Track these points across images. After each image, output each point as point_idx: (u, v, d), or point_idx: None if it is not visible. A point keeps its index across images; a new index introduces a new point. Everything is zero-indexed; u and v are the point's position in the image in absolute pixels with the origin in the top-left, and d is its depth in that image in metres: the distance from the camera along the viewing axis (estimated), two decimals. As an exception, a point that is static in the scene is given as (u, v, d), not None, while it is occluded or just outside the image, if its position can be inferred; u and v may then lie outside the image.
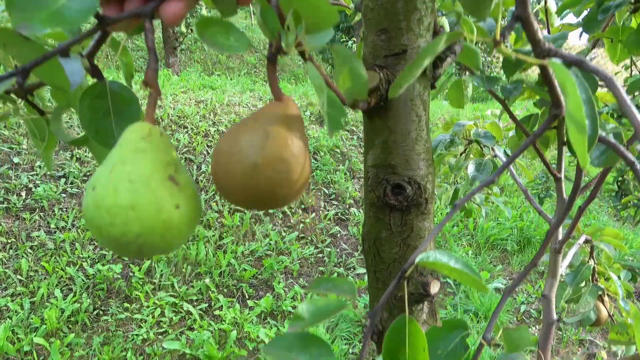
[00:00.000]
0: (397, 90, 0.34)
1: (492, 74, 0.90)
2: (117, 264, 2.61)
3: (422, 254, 0.39)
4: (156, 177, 0.28)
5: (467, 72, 1.07)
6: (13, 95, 0.50)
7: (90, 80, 0.37)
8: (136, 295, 2.48)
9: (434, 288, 0.50)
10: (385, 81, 0.48)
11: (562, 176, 0.95)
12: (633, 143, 0.71)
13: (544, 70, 0.45)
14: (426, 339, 0.40)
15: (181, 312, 2.45)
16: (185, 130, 3.64)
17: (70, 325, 2.26)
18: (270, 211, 3.30)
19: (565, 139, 0.92)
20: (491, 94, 0.94)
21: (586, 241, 1.16)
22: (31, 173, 2.92)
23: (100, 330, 2.28)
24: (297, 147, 0.33)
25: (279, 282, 2.72)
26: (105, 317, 2.34)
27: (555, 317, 1.01)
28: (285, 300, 2.60)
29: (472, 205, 1.83)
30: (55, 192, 2.86)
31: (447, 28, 0.80)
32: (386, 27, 0.48)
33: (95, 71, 0.34)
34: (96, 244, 2.71)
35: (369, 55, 0.51)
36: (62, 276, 2.48)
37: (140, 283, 2.56)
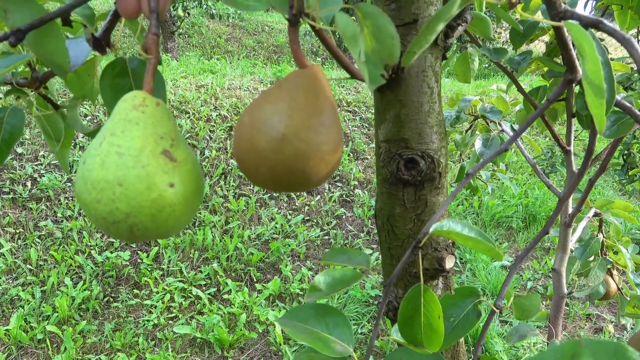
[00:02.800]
0: (411, 57, 0.33)
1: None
2: (126, 251, 2.63)
3: (436, 223, 0.39)
4: (147, 151, 0.25)
5: (470, 46, 1.05)
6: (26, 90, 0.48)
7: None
8: (145, 281, 2.50)
9: (449, 263, 0.50)
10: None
11: (572, 148, 0.94)
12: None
13: (559, 33, 0.44)
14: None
15: (190, 297, 2.47)
16: (187, 115, 3.62)
17: (81, 313, 2.29)
18: (276, 195, 3.30)
19: (574, 111, 0.91)
20: (499, 66, 0.93)
21: (595, 214, 1.15)
22: (35, 163, 2.93)
23: (111, 316, 2.30)
24: (327, 115, 0.29)
25: (286, 265, 2.74)
26: (115, 304, 2.36)
27: (565, 290, 1.01)
28: (293, 282, 2.61)
29: (478, 182, 1.83)
30: (61, 182, 2.87)
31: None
32: (395, -4, 0.47)
33: (97, 44, 0.32)
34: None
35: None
36: (71, 264, 2.50)
37: (149, 269, 2.58)
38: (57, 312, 2.21)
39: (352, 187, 3.58)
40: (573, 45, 0.48)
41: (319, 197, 3.41)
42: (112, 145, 0.25)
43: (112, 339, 2.15)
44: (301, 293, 2.56)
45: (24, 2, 0.28)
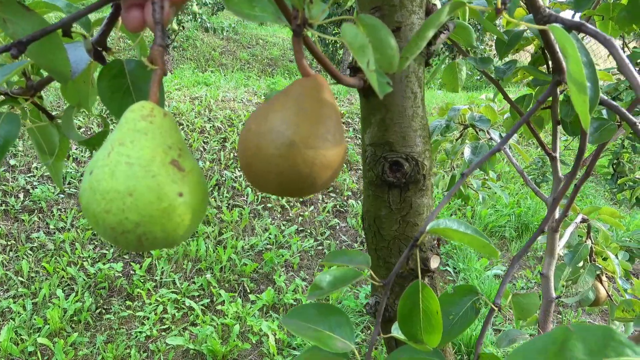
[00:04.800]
0: (404, 63, 0.35)
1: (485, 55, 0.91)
2: (118, 263, 2.61)
3: (433, 222, 0.40)
4: (157, 161, 0.25)
5: (461, 56, 1.07)
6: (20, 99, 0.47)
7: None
8: (138, 292, 2.49)
9: (434, 263, 0.51)
10: (380, 59, 0.48)
11: (558, 155, 0.96)
12: (634, 109, 0.72)
13: (545, 36, 0.46)
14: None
15: (183, 308, 2.45)
16: (181, 127, 3.64)
17: (73, 325, 2.27)
18: (269, 205, 3.30)
19: (559, 118, 0.93)
20: (484, 74, 0.95)
21: (583, 221, 1.17)
22: (28, 175, 2.92)
23: (103, 328, 2.28)
24: (332, 123, 0.31)
25: (280, 276, 2.73)
26: (107, 316, 2.35)
27: (554, 294, 1.02)
28: (286, 293, 2.61)
29: (470, 191, 1.84)
30: (53, 193, 2.86)
31: (439, 5, 0.81)
32: (379, 4, 0.49)
33: (98, 55, 0.33)
34: (96, 243, 2.71)
35: (363, 35, 0.51)
36: (63, 276, 2.48)
37: (142, 281, 2.56)
38: (49, 324, 2.19)
39: (345, 198, 3.59)
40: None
41: (312, 207, 3.42)
42: (122, 155, 0.25)
43: (104, 351, 2.14)
44: (295, 303, 2.55)
45: (24, 14, 0.29)
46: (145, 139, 0.26)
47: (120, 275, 2.58)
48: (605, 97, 0.55)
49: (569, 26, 0.40)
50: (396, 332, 0.44)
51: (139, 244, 0.26)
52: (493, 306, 0.49)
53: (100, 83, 0.33)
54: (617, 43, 0.38)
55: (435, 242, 0.52)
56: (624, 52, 1.17)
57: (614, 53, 0.37)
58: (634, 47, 1.11)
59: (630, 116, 0.43)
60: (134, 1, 0.29)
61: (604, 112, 0.89)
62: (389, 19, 0.49)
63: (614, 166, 3.02)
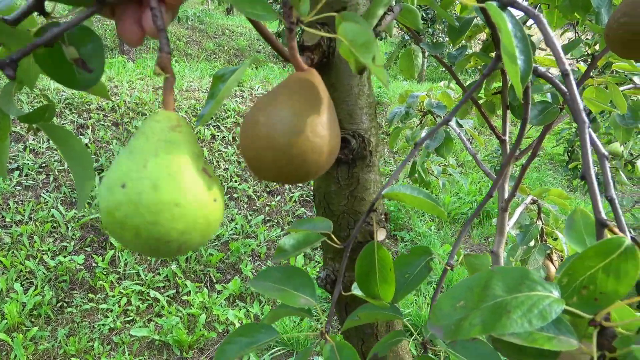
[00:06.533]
0: None
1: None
2: (80, 255, 2.56)
3: (388, 187, 0.43)
4: (194, 170, 0.26)
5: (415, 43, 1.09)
6: None
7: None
8: (101, 285, 2.45)
9: (381, 236, 0.54)
10: (327, 38, 0.50)
11: (507, 138, 1.00)
12: (582, 84, 0.75)
13: (485, 14, 0.49)
14: (395, 265, 0.45)
15: (148, 300, 2.43)
16: (144, 117, 3.56)
17: (32, 319, 2.21)
18: (236, 196, 3.29)
19: (508, 103, 0.97)
20: (438, 60, 0.98)
21: (533, 202, 1.22)
22: (-18, 167, 2.81)
23: (65, 322, 2.24)
24: (330, 113, 0.34)
25: (247, 265, 2.74)
26: (69, 309, 2.30)
27: (504, 272, 1.07)
28: (253, 282, 2.62)
29: (431, 178, 1.89)
30: (9, 185, 2.76)
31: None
32: (325, -16, 0.50)
33: (84, 65, 0.33)
34: (56, 236, 2.64)
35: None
36: (21, 270, 2.41)
37: (105, 273, 2.52)
38: (6, 319, 2.13)
39: (311, 187, 3.61)
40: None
41: (279, 197, 3.43)
42: (161, 167, 0.25)
43: (66, 345, 2.09)
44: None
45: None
46: (178, 149, 0.26)
47: (82, 267, 2.52)
48: (542, 70, 0.58)
49: (504, 3, 0.42)
50: (356, 290, 0.47)
51: (177, 251, 0.27)
52: (446, 266, 0.52)
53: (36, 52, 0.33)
54: (544, 19, 0.41)
55: (382, 216, 0.55)
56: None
57: (541, 28, 0.40)
58: (587, 39, 1.16)
59: (562, 86, 0.46)
60: (128, 15, 0.29)
61: (549, 95, 0.94)
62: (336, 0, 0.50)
63: (569, 154, 3.15)
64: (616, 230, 0.33)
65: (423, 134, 1.22)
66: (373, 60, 0.32)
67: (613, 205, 0.37)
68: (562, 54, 0.41)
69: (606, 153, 0.41)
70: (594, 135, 0.42)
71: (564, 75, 0.41)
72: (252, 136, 0.32)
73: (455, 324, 0.28)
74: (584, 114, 0.39)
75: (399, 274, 0.48)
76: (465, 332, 0.27)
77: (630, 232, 0.34)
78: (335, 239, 0.46)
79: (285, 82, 0.34)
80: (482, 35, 1.10)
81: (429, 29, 7.02)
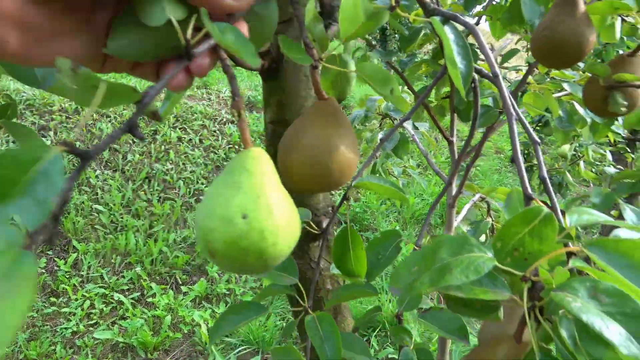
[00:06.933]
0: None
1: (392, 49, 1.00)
2: (41, 259, 2.51)
3: (358, 178, 0.49)
4: (289, 197, 0.32)
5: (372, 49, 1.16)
6: None
7: None
8: (63, 288, 2.41)
9: (324, 224, 0.59)
10: (276, 45, 0.54)
11: (454, 139, 1.07)
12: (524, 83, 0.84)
13: (434, 27, 0.55)
14: (368, 247, 0.53)
15: (112, 303, 2.41)
16: (109, 119, 3.53)
17: (-9, 324, 2.16)
18: (202, 198, 3.29)
19: (454, 107, 1.04)
20: (390, 66, 1.04)
21: (481, 199, 1.30)
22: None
23: (25, 326, 2.20)
24: (352, 134, 0.42)
25: (213, 266, 2.75)
26: (30, 313, 2.26)
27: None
28: (220, 283, 2.63)
29: (392, 178, 1.96)
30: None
31: None
32: (275, -3, 0.55)
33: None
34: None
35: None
36: (-22, 275, 2.35)
37: (67, 276, 2.49)
38: (-37, 325, 2.08)
39: (279, 189, 3.65)
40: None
41: (246, 199, 3.45)
42: (271, 197, 0.30)
43: (27, 349, 2.06)
44: (228, 293, 2.58)
45: None
46: (275, 180, 0.32)
47: (44, 271, 2.48)
48: (486, 71, 0.64)
49: (447, 17, 0.48)
50: (334, 270, 0.53)
51: (272, 266, 0.32)
52: (415, 247, 0.59)
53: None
54: (477, 31, 0.48)
55: (329, 208, 0.60)
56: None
57: (476, 38, 0.47)
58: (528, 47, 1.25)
59: (499, 83, 0.52)
60: (171, 68, 0.30)
61: (490, 100, 1.01)
62: (284, 10, 0.55)
63: (525, 156, 3.29)
64: (539, 201, 0.40)
65: (379, 135, 1.29)
66: (391, 92, 0.39)
67: (545, 184, 0.43)
68: (493, 59, 0.48)
69: (537, 139, 0.47)
70: (527, 124, 0.48)
71: (495, 76, 0.48)
72: (298, 157, 0.40)
73: (410, 284, 0.33)
74: (512, 108, 0.45)
75: (372, 255, 0.54)
76: (417, 289, 0.32)
77: (578, 231, 0.41)
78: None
79: (314, 108, 0.42)
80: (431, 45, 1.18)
81: (384, 37, 7.17)
